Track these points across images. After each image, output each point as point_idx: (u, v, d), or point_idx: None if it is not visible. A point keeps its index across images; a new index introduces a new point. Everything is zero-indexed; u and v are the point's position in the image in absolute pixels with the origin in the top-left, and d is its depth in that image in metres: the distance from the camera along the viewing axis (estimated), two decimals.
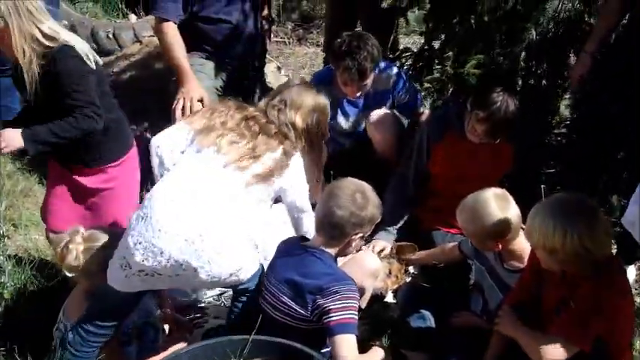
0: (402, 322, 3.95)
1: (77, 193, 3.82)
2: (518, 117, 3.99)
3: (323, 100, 3.64)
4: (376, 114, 4.77)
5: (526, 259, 3.48)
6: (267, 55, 5.39)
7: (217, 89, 4.69)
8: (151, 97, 5.63)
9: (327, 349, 3.27)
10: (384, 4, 5.32)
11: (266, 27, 5.14)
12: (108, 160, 3.78)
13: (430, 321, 3.87)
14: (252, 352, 3.00)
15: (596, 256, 2.95)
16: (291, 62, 7.38)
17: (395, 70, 4.83)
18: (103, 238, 3.37)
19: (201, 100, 4.40)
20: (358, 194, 3.27)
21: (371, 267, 3.80)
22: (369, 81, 4.58)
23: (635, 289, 4.44)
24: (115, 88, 4.73)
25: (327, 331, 3.14)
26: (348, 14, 5.58)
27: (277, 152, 3.36)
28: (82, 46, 3.52)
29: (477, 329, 3.68)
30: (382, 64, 4.73)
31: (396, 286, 4.24)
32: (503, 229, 3.44)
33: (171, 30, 4.45)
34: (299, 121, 3.50)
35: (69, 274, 3.37)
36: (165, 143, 3.49)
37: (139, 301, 3.34)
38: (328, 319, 3.12)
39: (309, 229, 3.55)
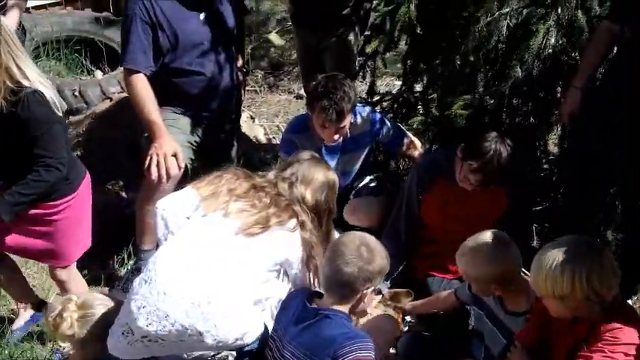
0: None
1: (30, 221, 3.77)
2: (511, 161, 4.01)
3: (333, 177, 3.66)
4: (349, 206, 4.82)
5: (526, 301, 3.50)
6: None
7: (192, 144, 4.64)
8: (123, 154, 5.60)
9: None
10: (368, 50, 5.31)
11: (241, 78, 5.12)
12: (63, 195, 3.75)
13: None
14: None
15: (606, 298, 2.95)
16: (264, 111, 7.38)
17: (368, 110, 4.82)
18: (97, 305, 3.31)
19: (175, 155, 4.33)
20: (363, 247, 3.23)
21: (389, 331, 3.79)
22: (346, 122, 4.53)
23: None
24: (85, 147, 4.68)
25: None
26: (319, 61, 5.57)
27: (287, 225, 3.35)
28: (51, 93, 3.54)
29: None
30: (358, 108, 4.73)
31: None
32: (506, 271, 3.41)
33: (142, 82, 4.40)
34: (309, 196, 3.51)
35: (62, 344, 3.27)
36: (170, 207, 3.45)
37: None
38: None
39: None
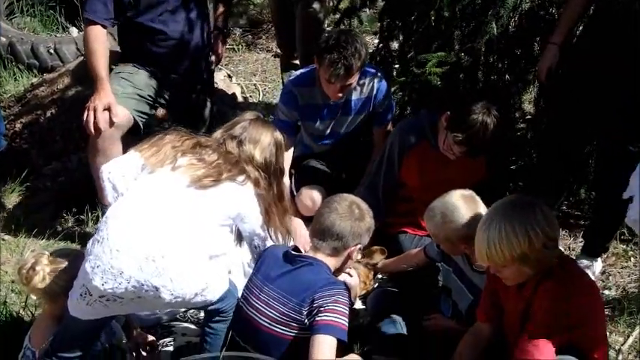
0: (373, 328, 3.96)
1: None
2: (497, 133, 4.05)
3: (279, 136, 3.70)
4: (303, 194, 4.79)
5: None
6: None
7: (145, 97, 4.70)
8: None
9: None
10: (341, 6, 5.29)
11: (220, 38, 5.20)
12: None
13: (401, 325, 3.88)
14: None
15: (558, 240, 3.09)
16: (241, 70, 7.40)
17: (379, 76, 4.73)
18: (69, 259, 3.38)
19: (108, 109, 4.42)
20: (354, 206, 3.49)
21: (349, 284, 3.79)
22: (353, 80, 4.48)
23: (602, 281, 4.55)
24: (61, 106, 4.70)
25: (312, 329, 3.21)
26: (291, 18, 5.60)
27: (238, 179, 3.42)
28: None
29: (448, 332, 3.73)
30: (367, 70, 4.65)
31: (364, 292, 4.28)
32: (474, 231, 3.45)
33: (95, 34, 4.49)
34: (258, 156, 3.54)
35: (34, 297, 3.32)
36: (116, 170, 3.46)
37: (104, 325, 3.35)
38: (317, 318, 3.20)
39: None
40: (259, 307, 3.37)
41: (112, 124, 4.43)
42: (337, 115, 4.75)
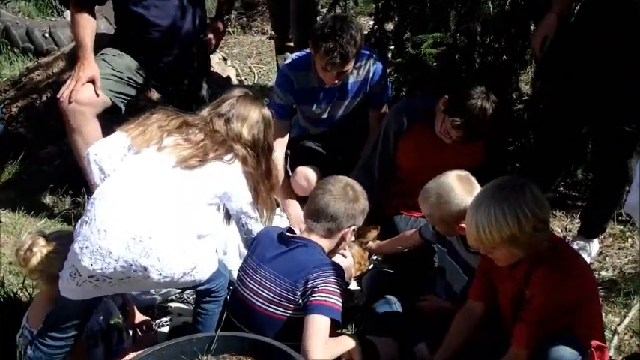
0: (368, 309, 3.98)
1: None
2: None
3: (268, 113, 3.68)
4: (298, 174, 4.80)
5: None
6: None
7: (124, 79, 4.73)
8: None
9: None
10: None
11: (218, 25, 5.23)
12: None
13: (396, 306, 3.89)
14: (221, 349, 3.01)
15: (549, 223, 3.10)
16: (236, 52, 7.41)
17: (375, 58, 4.70)
18: (66, 241, 3.36)
19: (92, 81, 4.48)
20: (349, 188, 3.51)
21: (343, 264, 3.80)
22: (349, 67, 4.46)
23: (599, 262, 4.57)
24: (57, 90, 4.72)
25: (306, 310, 3.23)
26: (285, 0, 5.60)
27: (225, 158, 3.41)
28: None
29: (443, 312, 3.73)
30: (364, 53, 4.61)
31: (359, 273, 4.31)
32: None
33: (81, 5, 4.55)
34: (245, 133, 3.53)
35: (32, 279, 3.34)
36: (102, 151, 3.47)
37: (95, 306, 3.37)
38: (311, 299, 3.23)
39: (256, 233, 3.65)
40: (254, 287, 3.40)
41: (97, 95, 4.50)
42: (334, 99, 4.74)
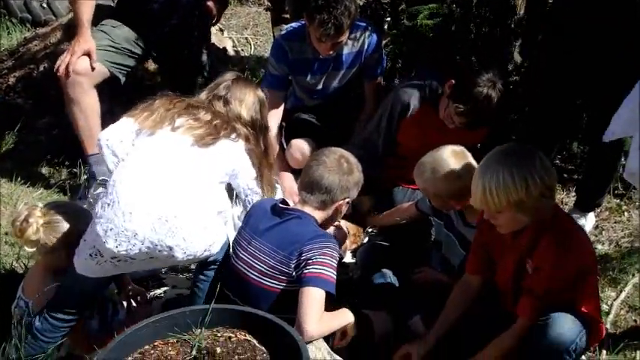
0: (363, 282, 4.00)
1: None
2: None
3: (261, 93, 3.76)
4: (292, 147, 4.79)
5: None
6: None
7: (121, 50, 4.77)
8: None
9: None
10: None
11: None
12: None
13: (391, 279, 3.91)
14: (214, 322, 3.00)
15: (555, 191, 3.10)
16: (233, 23, 7.41)
17: (370, 30, 4.69)
18: (62, 212, 3.41)
19: (88, 55, 4.52)
20: (343, 160, 3.50)
21: (338, 237, 3.86)
22: (344, 38, 4.46)
23: (595, 236, 4.57)
24: (54, 60, 4.72)
25: (300, 282, 3.24)
26: None
27: (231, 136, 3.47)
28: None
29: (438, 285, 3.75)
30: (358, 24, 4.61)
31: (354, 246, 4.33)
32: (463, 187, 3.46)
33: None
34: (244, 114, 3.61)
35: (28, 249, 3.35)
36: (113, 136, 3.48)
37: (110, 282, 3.43)
38: (305, 271, 3.23)
39: None
40: (248, 260, 3.40)
41: (92, 69, 4.53)
42: (328, 69, 4.74)
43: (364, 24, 4.67)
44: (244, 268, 3.40)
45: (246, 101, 3.62)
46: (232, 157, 3.46)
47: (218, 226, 3.42)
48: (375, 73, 4.81)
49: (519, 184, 2.92)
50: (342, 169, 3.47)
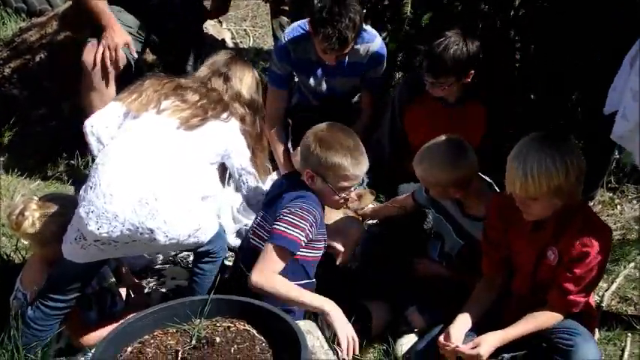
0: (362, 273, 4.00)
1: None
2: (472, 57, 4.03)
3: (257, 75, 3.80)
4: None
5: (483, 205, 3.54)
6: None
7: (134, 35, 4.81)
8: None
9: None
10: None
11: None
12: None
13: (390, 270, 3.90)
14: (214, 312, 3.02)
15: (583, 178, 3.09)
16: (231, 15, 7.36)
17: (376, 43, 4.59)
18: (58, 204, 3.41)
19: (127, 45, 4.58)
20: (329, 134, 3.45)
21: (355, 232, 3.92)
22: (349, 49, 4.38)
23: None
24: (50, 51, 4.71)
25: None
26: None
27: (222, 116, 3.49)
28: None
29: (436, 276, 3.78)
30: (365, 35, 4.52)
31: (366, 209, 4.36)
32: (463, 176, 3.47)
33: None
34: (244, 92, 3.64)
35: (24, 242, 3.35)
36: (98, 122, 3.51)
37: (99, 268, 3.40)
38: (273, 227, 3.31)
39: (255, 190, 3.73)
40: (257, 231, 3.50)
41: (127, 60, 4.60)
42: (330, 74, 4.71)
43: (373, 36, 4.58)
44: (253, 239, 3.49)
45: (245, 79, 3.66)
46: (224, 137, 3.49)
47: (206, 211, 3.41)
48: (374, 85, 4.77)
49: (561, 169, 2.95)
50: (322, 142, 3.40)
